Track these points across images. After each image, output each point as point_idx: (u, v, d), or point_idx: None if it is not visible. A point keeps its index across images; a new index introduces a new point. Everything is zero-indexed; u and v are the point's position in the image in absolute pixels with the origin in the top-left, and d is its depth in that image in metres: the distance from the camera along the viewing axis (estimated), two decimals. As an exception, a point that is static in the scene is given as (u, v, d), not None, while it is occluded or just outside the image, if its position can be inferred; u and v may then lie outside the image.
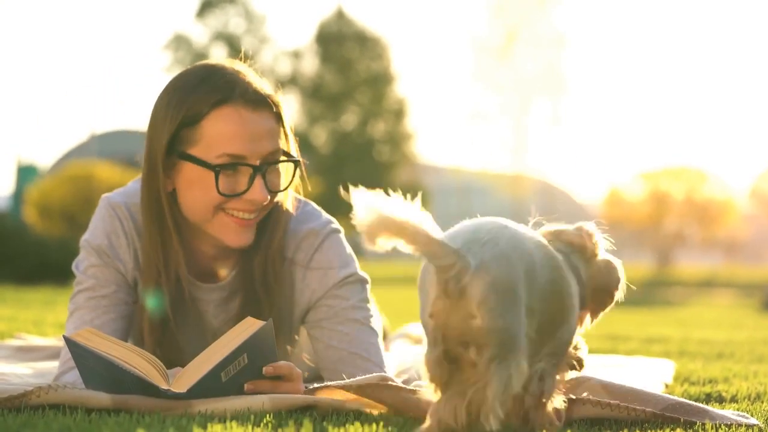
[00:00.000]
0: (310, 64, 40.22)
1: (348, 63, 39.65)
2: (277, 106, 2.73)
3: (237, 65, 2.77)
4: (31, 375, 3.07)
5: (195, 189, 2.69)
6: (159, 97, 2.74)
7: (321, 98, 39.63)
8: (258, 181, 2.68)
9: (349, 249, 2.91)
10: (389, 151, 39.54)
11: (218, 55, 38.48)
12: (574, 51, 52.09)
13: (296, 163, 2.77)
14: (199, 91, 2.67)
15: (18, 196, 19.29)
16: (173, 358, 2.78)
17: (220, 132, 2.65)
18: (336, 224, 2.92)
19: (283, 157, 2.74)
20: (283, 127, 2.76)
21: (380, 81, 39.77)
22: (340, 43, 39.79)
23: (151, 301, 2.76)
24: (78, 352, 2.45)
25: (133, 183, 2.89)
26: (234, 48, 39.47)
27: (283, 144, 2.75)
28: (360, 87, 39.68)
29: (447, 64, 70.64)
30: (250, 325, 2.46)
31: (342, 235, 2.91)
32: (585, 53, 61.21)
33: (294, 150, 2.80)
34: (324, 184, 31.44)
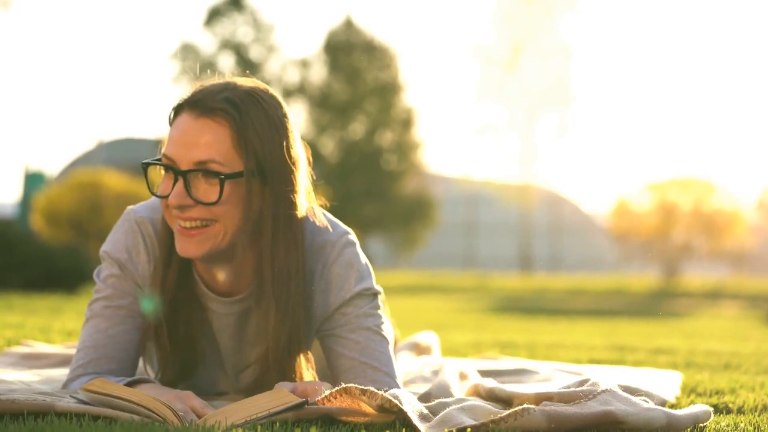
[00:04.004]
0: (318, 74, 40.25)
1: (356, 72, 39.69)
2: (230, 120, 2.64)
3: (222, 78, 2.76)
4: (37, 382, 3.08)
5: None
6: None
7: (329, 107, 39.65)
8: (177, 186, 2.64)
9: (365, 260, 2.88)
10: (397, 161, 39.51)
11: (226, 64, 38.53)
12: (581, 62, 52.07)
13: (222, 180, 2.61)
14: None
15: (25, 203, 19.27)
16: (187, 357, 2.81)
17: (168, 136, 2.70)
18: (352, 235, 2.87)
19: (212, 169, 2.62)
20: (241, 142, 2.64)
21: (388, 90, 39.78)
22: (348, 52, 39.83)
23: (147, 303, 2.77)
24: (93, 398, 2.48)
25: None
26: (242, 57, 39.53)
27: (228, 159, 2.64)
28: (368, 96, 39.70)
29: (455, 75, 70.66)
30: (284, 398, 2.46)
31: (358, 247, 2.88)
32: (592, 64, 61.12)
33: (259, 167, 2.65)
34: (331, 193, 31.50)
